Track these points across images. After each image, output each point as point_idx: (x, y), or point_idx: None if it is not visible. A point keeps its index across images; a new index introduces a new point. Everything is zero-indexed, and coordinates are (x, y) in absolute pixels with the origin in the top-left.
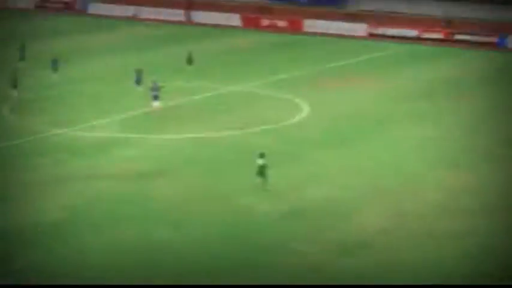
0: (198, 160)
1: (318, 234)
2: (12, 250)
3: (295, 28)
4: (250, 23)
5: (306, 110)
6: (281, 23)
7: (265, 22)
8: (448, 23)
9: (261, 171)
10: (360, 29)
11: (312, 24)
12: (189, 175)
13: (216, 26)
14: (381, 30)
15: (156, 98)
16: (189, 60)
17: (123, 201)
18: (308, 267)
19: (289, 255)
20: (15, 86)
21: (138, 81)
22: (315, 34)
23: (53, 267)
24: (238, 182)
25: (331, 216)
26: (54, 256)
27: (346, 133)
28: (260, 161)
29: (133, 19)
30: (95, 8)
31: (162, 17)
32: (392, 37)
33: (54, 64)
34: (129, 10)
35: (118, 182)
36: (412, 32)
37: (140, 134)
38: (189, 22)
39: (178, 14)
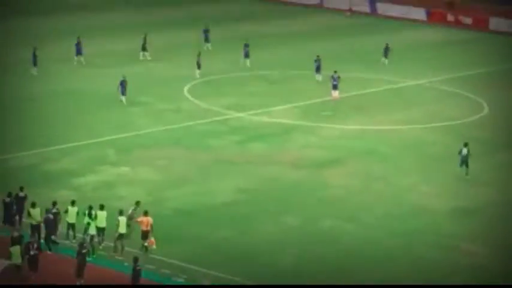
0: (374, 151)
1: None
2: (187, 228)
3: (480, 25)
4: (436, 18)
5: (486, 108)
6: (466, 20)
7: (450, 18)
8: None
9: (464, 160)
10: None
11: (498, 22)
12: (365, 166)
13: (400, 19)
14: None
15: (335, 87)
16: (386, 52)
17: (296, 188)
18: (476, 267)
19: (458, 255)
20: (198, 67)
21: (318, 70)
22: (500, 33)
23: (217, 248)
24: (415, 176)
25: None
26: (218, 236)
27: None
28: (464, 151)
29: (319, 7)
30: None
31: (345, 7)
32: None
33: (246, 49)
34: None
35: (293, 168)
36: None
37: (317, 122)
38: (374, 14)
39: (363, 5)
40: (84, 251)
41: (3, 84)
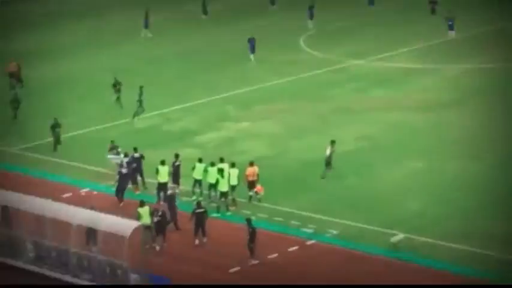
0: (492, 90)
1: None
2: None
3: None
4: None
5: None
6: None
7: None
8: None
9: None
10: None
11: None
12: (485, 106)
13: None
14: None
15: (451, 27)
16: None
17: (419, 131)
18: None
19: None
20: (312, 18)
21: (433, 12)
22: None
23: (343, 197)
24: None
25: None
26: (343, 184)
27: None
28: None
29: None
30: None
31: None
32: None
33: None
34: None
35: (415, 112)
36: None
37: (436, 64)
38: None
39: None
40: (200, 210)
41: (122, 50)
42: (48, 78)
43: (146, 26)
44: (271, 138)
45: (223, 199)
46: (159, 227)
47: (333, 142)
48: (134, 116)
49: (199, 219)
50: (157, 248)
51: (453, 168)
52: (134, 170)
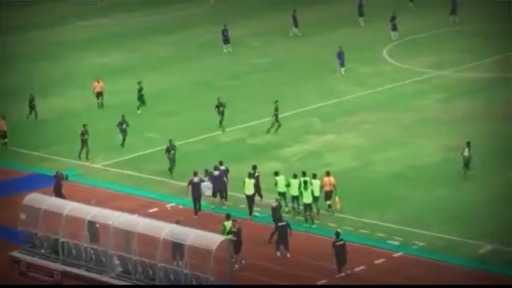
0: None
1: None
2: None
3: None
4: None
5: None
6: None
7: None
8: None
9: None
10: None
11: None
12: None
13: None
14: None
15: None
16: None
17: (507, 141)
18: None
19: None
20: (395, 29)
21: None
22: None
23: (431, 209)
24: None
25: None
26: (431, 196)
27: None
28: None
29: None
30: None
31: None
32: None
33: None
34: None
35: (501, 122)
36: None
37: None
38: None
39: None
40: (282, 223)
41: (204, 64)
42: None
43: (227, 41)
44: (356, 150)
45: (307, 212)
46: (235, 247)
47: (468, 143)
48: (269, 130)
49: (282, 232)
50: (236, 266)
51: None
52: (220, 183)
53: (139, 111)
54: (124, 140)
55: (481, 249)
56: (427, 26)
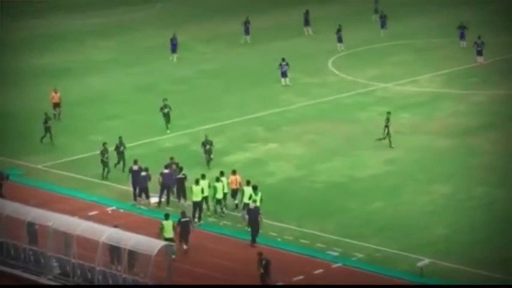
0: None
1: None
2: (337, 201)
3: None
4: None
5: None
6: None
7: None
8: None
9: None
10: None
11: None
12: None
13: None
14: None
15: (479, 53)
16: None
17: (446, 156)
18: None
19: None
20: (340, 41)
21: (462, 36)
22: None
23: (370, 220)
24: None
25: None
26: (369, 208)
27: None
28: None
29: None
30: None
31: None
32: None
33: (383, 20)
34: None
35: (441, 137)
36: None
37: (464, 89)
38: None
39: None
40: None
41: (148, 68)
42: (77, 96)
43: (174, 51)
44: (299, 160)
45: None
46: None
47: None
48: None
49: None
50: (185, 246)
51: (480, 194)
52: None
53: (168, 131)
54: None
55: (419, 262)
56: (373, 39)
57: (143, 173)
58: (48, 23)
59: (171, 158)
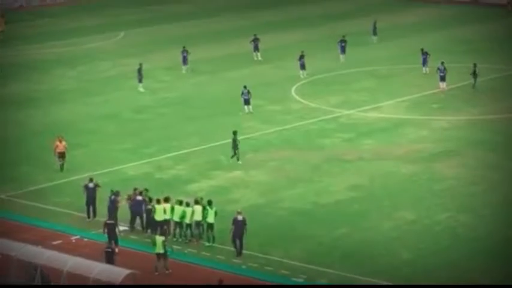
0: (486, 141)
1: None
2: (301, 228)
3: None
4: None
5: None
6: None
7: None
8: None
9: None
10: None
11: None
12: (477, 156)
13: (503, 6)
14: None
15: (442, 78)
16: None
17: (409, 182)
18: None
19: None
20: (303, 68)
21: (424, 62)
22: None
23: (334, 247)
24: None
25: None
26: (334, 234)
27: None
28: None
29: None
30: None
31: None
32: None
33: (342, 46)
34: None
35: (405, 163)
36: None
37: (427, 115)
38: (475, 3)
39: None
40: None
41: (111, 97)
42: (40, 125)
43: (140, 80)
44: (263, 187)
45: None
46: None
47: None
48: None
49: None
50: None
51: (443, 219)
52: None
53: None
54: None
55: None
56: (336, 66)
57: (90, 184)
58: (11, 52)
59: (135, 189)
